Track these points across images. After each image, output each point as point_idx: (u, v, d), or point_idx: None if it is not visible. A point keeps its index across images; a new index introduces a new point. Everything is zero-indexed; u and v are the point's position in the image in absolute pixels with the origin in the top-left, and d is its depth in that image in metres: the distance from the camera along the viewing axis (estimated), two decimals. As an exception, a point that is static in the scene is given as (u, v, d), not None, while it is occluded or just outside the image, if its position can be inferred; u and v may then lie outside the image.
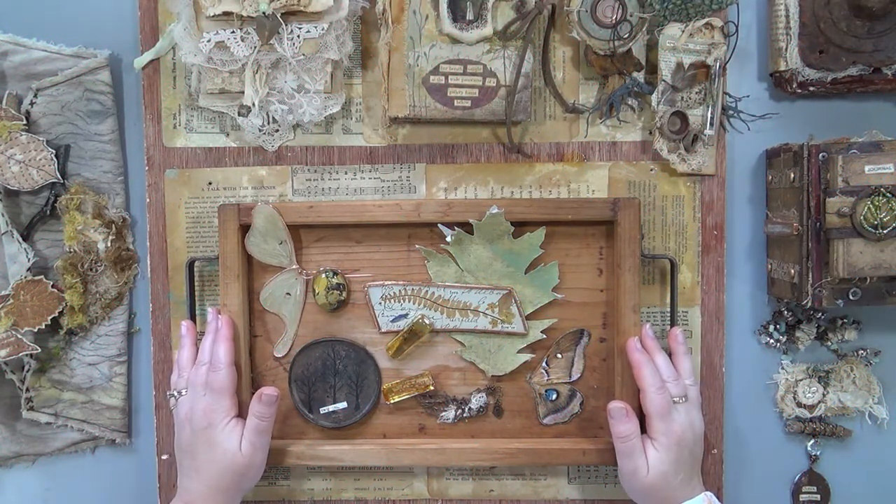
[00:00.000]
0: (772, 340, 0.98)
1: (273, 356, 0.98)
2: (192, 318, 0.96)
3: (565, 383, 0.97)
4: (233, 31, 0.89)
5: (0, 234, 0.95)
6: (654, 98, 0.93)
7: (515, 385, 0.98)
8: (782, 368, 0.99)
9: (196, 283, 0.98)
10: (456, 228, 0.94)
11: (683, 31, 0.91)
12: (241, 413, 0.92)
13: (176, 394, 0.92)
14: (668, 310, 0.96)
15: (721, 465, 0.98)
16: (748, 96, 0.96)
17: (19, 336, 0.94)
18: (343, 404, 0.97)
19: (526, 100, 0.92)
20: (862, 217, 0.85)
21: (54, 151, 0.95)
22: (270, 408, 0.91)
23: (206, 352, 0.92)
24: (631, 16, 0.91)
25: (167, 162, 0.97)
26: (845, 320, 0.97)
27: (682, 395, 0.89)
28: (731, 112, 0.96)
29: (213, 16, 0.88)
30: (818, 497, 0.99)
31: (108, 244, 0.97)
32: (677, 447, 0.87)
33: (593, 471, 0.99)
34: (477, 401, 0.97)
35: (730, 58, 0.93)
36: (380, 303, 0.96)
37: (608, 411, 0.90)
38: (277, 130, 0.96)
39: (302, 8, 0.88)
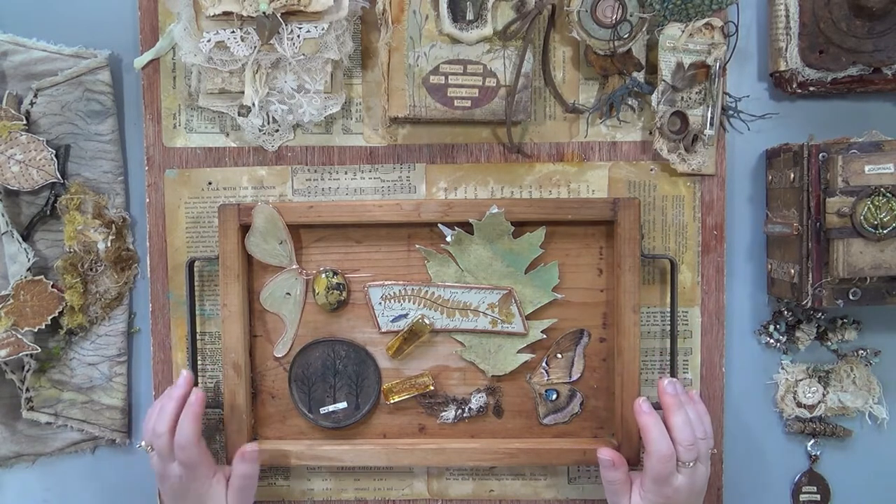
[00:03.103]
0: (772, 340, 0.98)
1: (273, 356, 0.98)
2: (193, 317, 0.96)
3: (565, 383, 0.97)
4: (233, 31, 0.89)
5: (0, 234, 0.95)
6: (654, 98, 0.93)
7: (515, 385, 0.98)
8: (782, 368, 0.99)
9: (196, 283, 0.98)
10: (456, 228, 0.94)
11: (683, 31, 0.91)
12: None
13: (147, 448, 0.89)
14: (668, 310, 0.96)
15: (721, 465, 0.98)
16: (748, 96, 0.96)
17: (19, 336, 0.94)
18: (343, 404, 0.97)
19: (526, 100, 0.92)
20: (862, 217, 0.85)
21: (54, 151, 0.95)
22: (253, 465, 0.91)
23: (166, 420, 0.87)
24: (631, 16, 0.91)
25: (167, 162, 0.97)
26: (845, 320, 0.97)
27: (692, 460, 0.85)
28: (731, 112, 0.96)
29: (213, 16, 0.88)
30: (818, 497, 0.99)
31: (108, 244, 0.97)
32: (665, 502, 0.86)
33: (593, 471, 0.99)
34: (477, 401, 0.97)
35: (730, 58, 0.93)
36: (380, 303, 0.96)
37: (598, 457, 0.89)
38: (277, 130, 0.96)
39: (302, 8, 0.88)
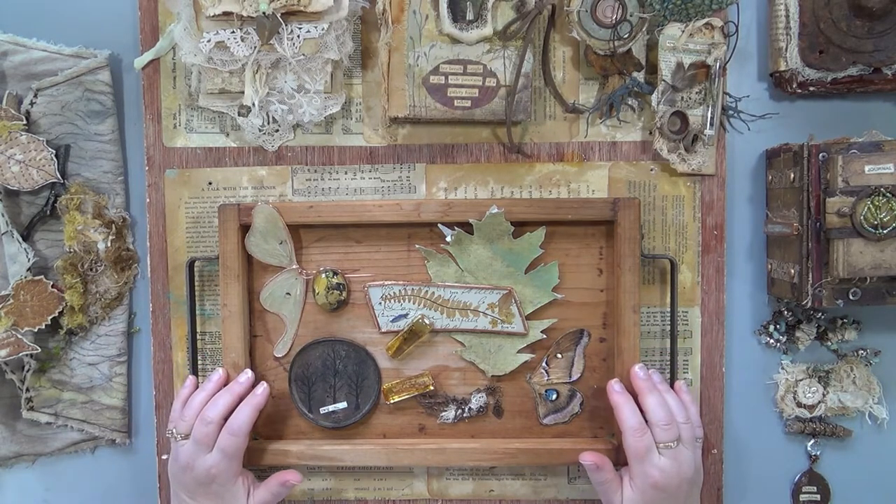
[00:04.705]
0: (772, 340, 0.98)
1: (273, 356, 0.98)
2: (193, 317, 0.96)
3: (565, 383, 0.97)
4: (233, 31, 0.89)
5: (0, 234, 0.95)
6: (654, 98, 0.93)
7: (515, 385, 0.98)
8: (782, 368, 0.99)
9: (196, 283, 0.98)
10: (456, 228, 0.94)
11: (683, 31, 0.91)
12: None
13: (177, 436, 0.90)
14: (668, 310, 0.96)
15: (721, 465, 0.98)
16: (748, 96, 0.96)
17: (19, 336, 0.94)
18: (343, 404, 0.97)
19: (526, 100, 0.92)
20: (862, 217, 0.85)
21: (54, 151, 0.95)
22: (287, 490, 0.93)
23: (220, 409, 0.89)
24: (631, 16, 0.91)
25: (167, 162, 0.97)
26: (845, 320, 0.97)
27: (672, 440, 0.86)
28: (731, 112, 0.96)
29: (213, 16, 0.88)
30: (818, 497, 0.99)
31: (108, 244, 0.97)
32: (652, 491, 0.86)
33: (593, 471, 0.99)
34: (477, 401, 0.97)
35: (730, 58, 0.93)
36: (380, 303, 0.96)
37: (581, 462, 0.90)
38: (277, 130, 0.96)
39: (302, 8, 0.88)
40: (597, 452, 0.91)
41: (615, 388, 0.90)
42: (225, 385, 0.93)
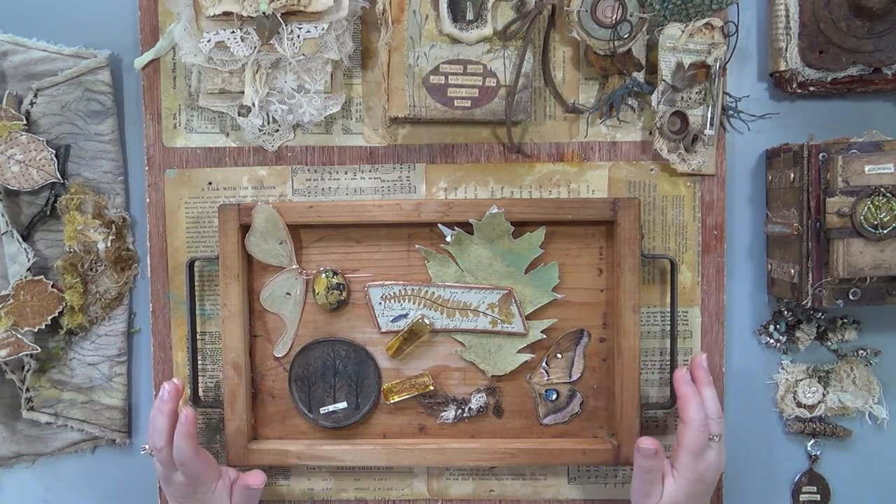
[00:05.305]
0: (772, 340, 0.98)
1: (273, 356, 0.98)
2: (193, 317, 0.96)
3: (565, 383, 0.97)
4: (233, 31, 0.89)
5: (0, 234, 0.95)
6: (654, 98, 0.93)
7: (515, 385, 0.98)
8: (782, 368, 0.99)
9: (196, 283, 0.98)
10: (456, 228, 0.94)
11: (683, 31, 0.91)
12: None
13: (150, 452, 0.90)
14: (668, 310, 0.96)
15: (721, 465, 0.98)
16: (748, 96, 0.96)
17: (19, 336, 0.94)
18: (343, 404, 0.97)
19: (526, 100, 0.92)
20: (862, 217, 0.85)
21: (54, 151, 0.95)
22: (258, 490, 0.92)
23: (161, 434, 0.88)
24: (631, 16, 0.91)
25: (167, 162, 0.97)
26: (845, 320, 0.97)
27: (719, 434, 0.87)
28: (731, 112, 0.96)
29: (213, 16, 0.88)
30: (818, 497, 0.99)
31: (108, 244, 0.97)
32: (696, 483, 0.87)
33: (593, 471, 0.99)
34: (477, 401, 0.97)
35: (730, 58, 0.93)
36: (380, 303, 0.96)
37: (637, 447, 0.87)
38: (277, 130, 0.96)
39: (302, 8, 0.88)
40: (654, 439, 0.88)
41: (686, 377, 0.89)
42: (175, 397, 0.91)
